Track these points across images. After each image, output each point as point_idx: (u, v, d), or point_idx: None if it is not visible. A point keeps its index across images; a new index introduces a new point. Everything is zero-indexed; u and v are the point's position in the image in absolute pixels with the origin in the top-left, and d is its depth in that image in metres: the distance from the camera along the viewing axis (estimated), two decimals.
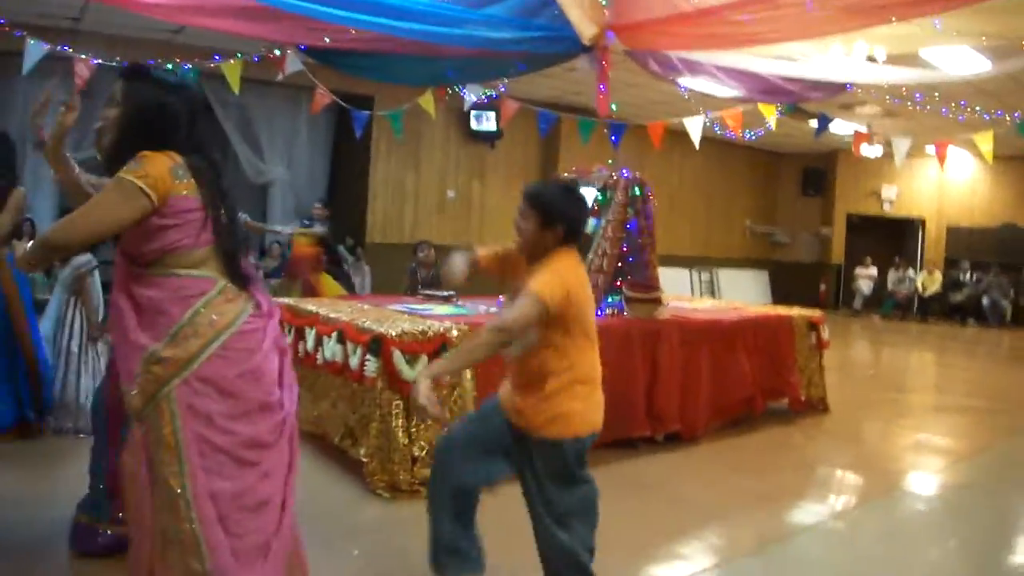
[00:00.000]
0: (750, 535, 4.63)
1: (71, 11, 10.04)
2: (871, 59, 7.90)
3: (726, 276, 19.44)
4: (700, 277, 19.10)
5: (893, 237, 20.65)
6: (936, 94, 9.42)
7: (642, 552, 4.22)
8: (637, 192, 6.49)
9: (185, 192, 2.65)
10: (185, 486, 2.55)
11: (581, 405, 3.23)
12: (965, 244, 19.45)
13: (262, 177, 14.01)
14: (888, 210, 20.07)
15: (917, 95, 9.45)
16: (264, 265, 12.54)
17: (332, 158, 14.95)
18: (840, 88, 8.84)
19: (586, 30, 6.40)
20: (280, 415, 2.76)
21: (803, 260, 20.41)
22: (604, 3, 6.79)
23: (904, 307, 18.95)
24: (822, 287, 20.10)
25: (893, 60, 8.00)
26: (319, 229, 8.98)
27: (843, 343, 14.58)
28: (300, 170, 14.34)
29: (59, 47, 7.69)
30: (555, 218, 3.19)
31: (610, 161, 6.87)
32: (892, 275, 19.11)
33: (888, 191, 19.80)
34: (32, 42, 7.46)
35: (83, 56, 7.87)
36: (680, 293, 13.61)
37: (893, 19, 5.70)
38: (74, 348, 5.84)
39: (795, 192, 20.78)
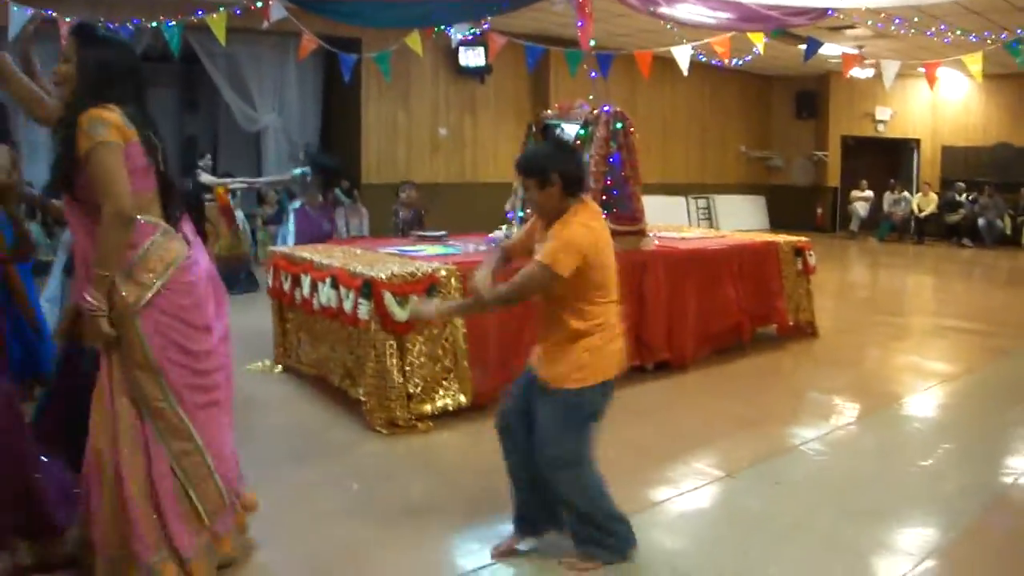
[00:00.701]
0: (736, 457, 4.78)
1: None
2: None
3: (723, 203, 19.48)
4: (697, 205, 19.14)
5: (888, 159, 20.62)
6: (916, 18, 9.41)
7: (632, 477, 4.36)
8: (619, 126, 6.61)
9: (134, 139, 2.98)
10: (175, 407, 3.04)
11: (594, 357, 3.32)
12: (960, 164, 19.43)
13: (254, 125, 14.09)
14: (882, 131, 20.02)
15: (896, 19, 9.45)
16: (261, 212, 12.68)
17: (323, 102, 14.96)
18: (822, 13, 8.86)
19: None
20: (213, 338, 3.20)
21: (799, 184, 20.42)
22: None
23: (900, 229, 18.98)
24: (819, 211, 20.16)
25: None
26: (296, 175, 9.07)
27: (839, 266, 14.73)
28: (292, 116, 14.37)
29: (43, 11, 7.75)
30: (548, 174, 3.31)
31: (591, 96, 6.96)
32: (888, 197, 19.11)
33: (882, 112, 19.73)
34: (16, 8, 7.53)
35: (67, 19, 7.94)
36: (676, 222, 13.74)
37: None
38: None
39: (789, 116, 20.71)
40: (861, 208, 19.32)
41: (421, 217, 9.56)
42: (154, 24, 8.72)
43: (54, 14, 7.97)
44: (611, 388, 3.40)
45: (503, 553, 3.54)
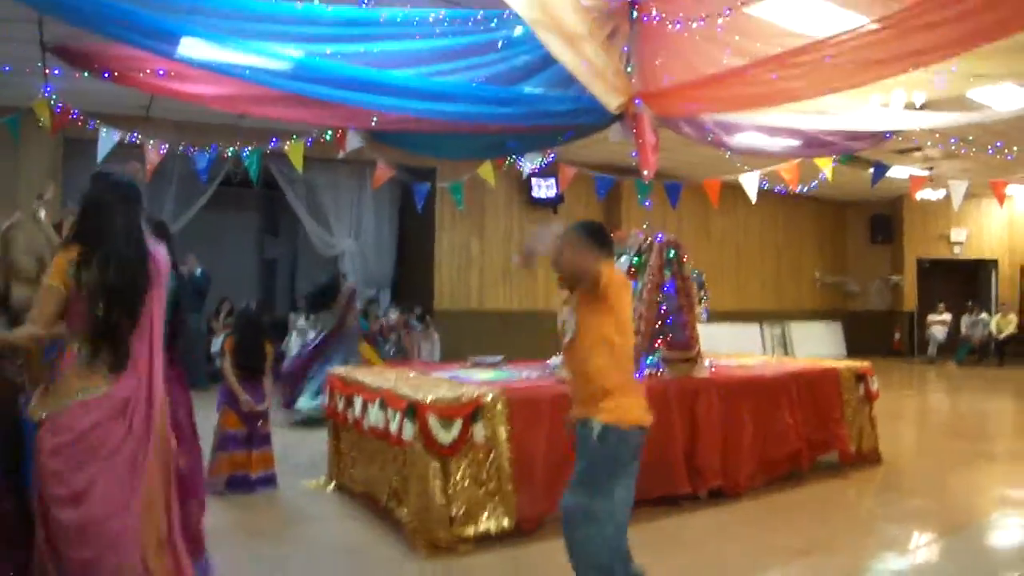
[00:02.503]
0: None
1: (142, 100, 10.65)
2: (910, 105, 7.96)
3: (798, 329, 19.26)
4: (772, 332, 18.97)
5: (965, 280, 20.36)
6: (971, 137, 9.39)
7: None
8: (672, 254, 6.68)
9: (71, 285, 3.31)
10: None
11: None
12: None
13: (331, 250, 14.50)
14: (958, 253, 19.80)
15: (952, 139, 9.44)
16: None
17: (399, 228, 15.40)
18: (881, 137, 8.92)
19: (611, 101, 6.64)
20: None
21: (875, 308, 20.17)
22: (629, 70, 7.03)
23: (980, 352, 18.59)
24: (896, 335, 19.85)
25: (937, 104, 8.06)
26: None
27: (915, 391, 14.43)
28: (368, 241, 14.80)
29: (129, 135, 8.24)
30: (585, 241, 3.89)
31: (645, 225, 7.07)
32: (966, 319, 18.81)
33: (957, 234, 19.55)
34: (104, 131, 8.01)
35: (151, 142, 8.42)
36: (750, 350, 13.63)
37: (911, 68, 5.82)
38: None
39: (863, 240, 20.63)
40: (938, 331, 18.96)
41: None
42: (231, 151, 9.16)
43: (139, 138, 8.46)
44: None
45: None
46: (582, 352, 3.84)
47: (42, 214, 4.18)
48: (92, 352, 3.34)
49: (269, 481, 6.67)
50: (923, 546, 5.61)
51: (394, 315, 9.37)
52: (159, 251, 3.62)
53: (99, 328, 3.35)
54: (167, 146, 8.66)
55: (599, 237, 3.93)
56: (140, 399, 3.41)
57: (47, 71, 8.31)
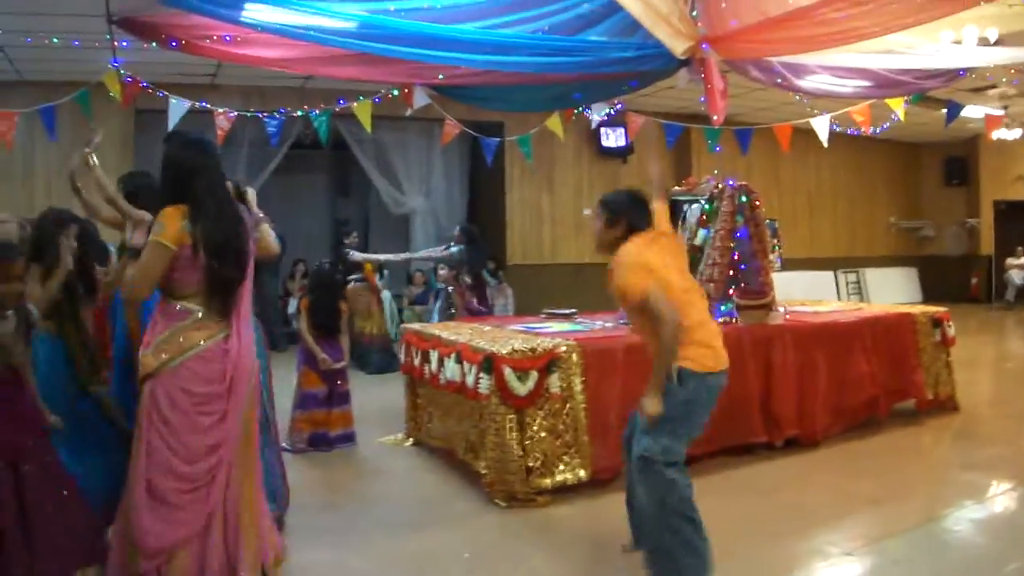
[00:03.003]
0: (857, 536, 4.65)
1: (208, 68, 10.77)
2: (983, 41, 7.74)
3: (873, 276, 18.90)
4: (846, 279, 18.67)
5: None
6: None
7: (745, 555, 4.29)
8: (744, 199, 6.61)
9: (188, 242, 3.43)
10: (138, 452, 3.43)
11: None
12: None
13: (402, 208, 14.58)
14: None
15: None
16: (408, 292, 13.05)
17: (469, 185, 15.45)
18: (954, 74, 8.70)
19: (677, 46, 6.57)
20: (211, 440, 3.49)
21: (951, 253, 19.71)
22: (694, 15, 6.94)
23: None
24: (973, 280, 19.39)
25: (1012, 39, 7.82)
26: (454, 252, 9.29)
27: (992, 338, 14.14)
28: (438, 199, 14.84)
29: (198, 103, 8.36)
30: (617, 217, 3.93)
31: (715, 171, 6.99)
32: None
33: None
34: (174, 100, 8.14)
35: (220, 110, 8.54)
36: (825, 297, 13.45)
37: (983, 2, 5.67)
38: None
39: (938, 183, 20.06)
40: (1017, 276, 18.44)
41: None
42: (299, 113, 9.25)
43: (208, 105, 8.59)
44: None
45: None
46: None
47: (94, 159, 4.28)
48: (206, 305, 3.52)
49: (348, 439, 6.80)
50: (1000, 494, 5.50)
51: (443, 271, 9.37)
52: (242, 209, 3.75)
53: (215, 282, 3.51)
54: (236, 113, 8.78)
55: (617, 208, 4.00)
56: (235, 350, 3.56)
57: (115, 44, 8.46)
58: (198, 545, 3.46)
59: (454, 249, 8.84)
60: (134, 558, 3.39)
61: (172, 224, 3.41)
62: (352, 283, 10.70)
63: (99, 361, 4.11)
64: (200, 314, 3.50)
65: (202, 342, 3.46)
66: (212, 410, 3.47)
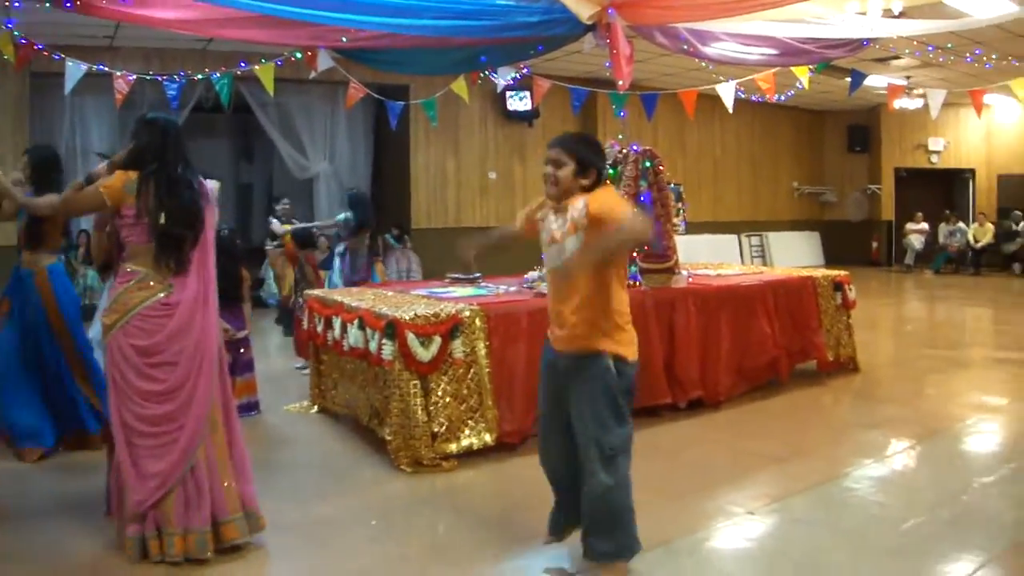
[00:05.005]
0: (759, 495, 4.71)
1: (106, 30, 10.41)
2: (887, 13, 7.88)
3: (776, 240, 19.34)
4: (750, 243, 19.04)
5: (942, 190, 20.42)
6: (949, 45, 9.32)
7: (648, 514, 4.11)
8: (648, 164, 6.64)
9: (131, 202, 3.81)
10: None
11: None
12: (1017, 192, 19.10)
13: (306, 172, 14.37)
14: (936, 162, 19.83)
15: (930, 47, 9.37)
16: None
17: (373, 149, 15.24)
18: (858, 44, 8.85)
19: (583, 11, 6.54)
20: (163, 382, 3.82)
21: (853, 218, 20.20)
22: None
23: (957, 260, 18.74)
24: (874, 245, 19.95)
25: (915, 11, 7.97)
26: (340, 219, 9.12)
27: (892, 300, 14.57)
28: (343, 163, 14.66)
29: (96, 66, 8.05)
30: (591, 167, 3.58)
31: (619, 136, 6.99)
32: (943, 228, 18.91)
33: (935, 143, 19.54)
34: (71, 63, 7.82)
35: (119, 72, 8.23)
36: (728, 260, 13.68)
37: None
38: None
39: (841, 150, 20.58)
40: (916, 241, 19.08)
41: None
42: (200, 76, 8.98)
43: (106, 68, 8.28)
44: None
45: None
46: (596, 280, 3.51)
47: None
48: (153, 266, 3.85)
49: (252, 407, 6.67)
50: (899, 452, 5.65)
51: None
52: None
53: (163, 239, 3.83)
54: (135, 76, 8.48)
55: (591, 158, 3.61)
56: (201, 300, 3.91)
57: (8, 3, 8.08)
58: (181, 493, 3.76)
59: (340, 217, 8.72)
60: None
61: (116, 181, 3.84)
62: (272, 248, 10.90)
63: None
64: (143, 274, 3.84)
65: (143, 301, 3.80)
66: (157, 361, 3.79)
